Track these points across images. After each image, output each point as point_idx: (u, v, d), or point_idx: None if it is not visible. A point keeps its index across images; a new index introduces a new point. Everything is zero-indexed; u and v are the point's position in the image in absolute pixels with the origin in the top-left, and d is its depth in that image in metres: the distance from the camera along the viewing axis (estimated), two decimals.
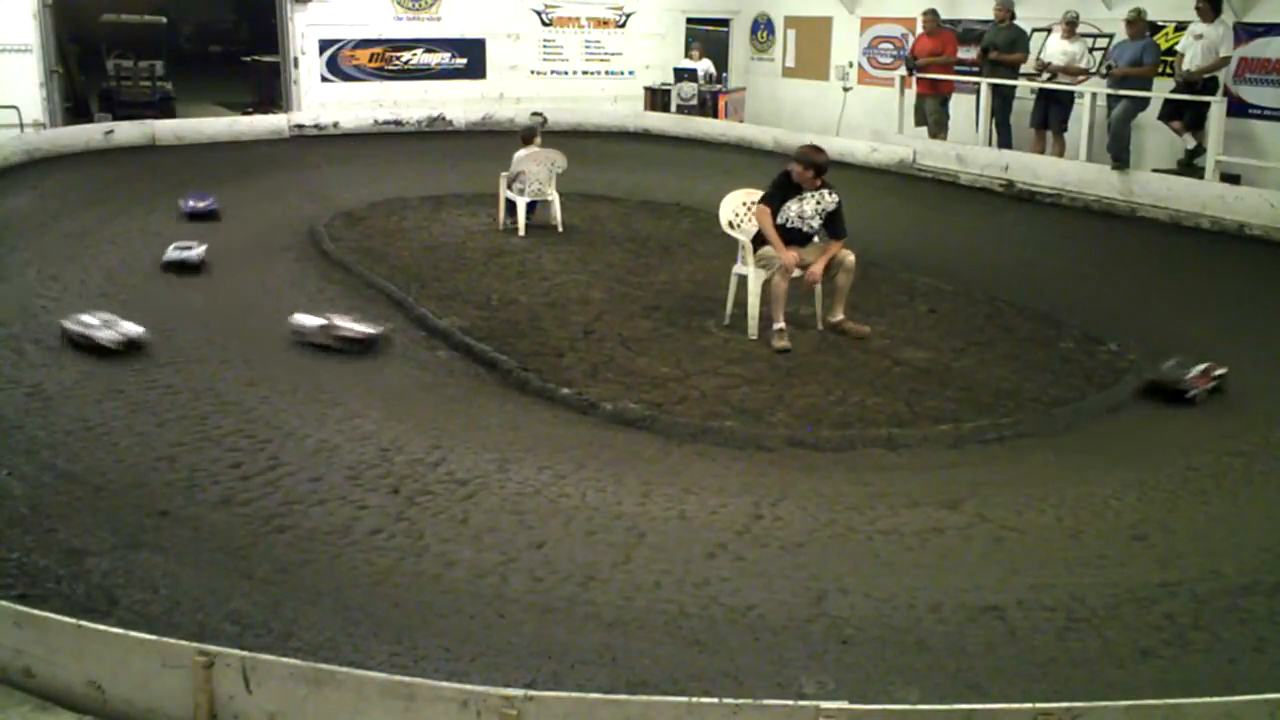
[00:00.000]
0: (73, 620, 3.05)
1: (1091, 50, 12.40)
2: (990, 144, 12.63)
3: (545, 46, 16.96)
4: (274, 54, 16.24)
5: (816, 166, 6.95)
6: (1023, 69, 12.54)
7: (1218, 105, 10.48)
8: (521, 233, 9.69)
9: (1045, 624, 3.82)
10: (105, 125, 13.65)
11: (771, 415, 5.75)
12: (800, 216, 6.98)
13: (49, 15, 13.54)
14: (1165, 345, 7.01)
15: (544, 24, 16.90)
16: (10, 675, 3.06)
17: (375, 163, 13.24)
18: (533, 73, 16.84)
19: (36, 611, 3.12)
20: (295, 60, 15.36)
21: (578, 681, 3.39)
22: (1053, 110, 12.06)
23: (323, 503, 4.59)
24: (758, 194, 7.47)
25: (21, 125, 13.00)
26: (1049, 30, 12.36)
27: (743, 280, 7.06)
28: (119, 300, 7.48)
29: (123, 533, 4.24)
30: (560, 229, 9.86)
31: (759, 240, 7.06)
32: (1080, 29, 12.16)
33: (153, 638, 3.02)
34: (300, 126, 14.83)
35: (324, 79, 15.55)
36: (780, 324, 6.82)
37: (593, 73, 17.28)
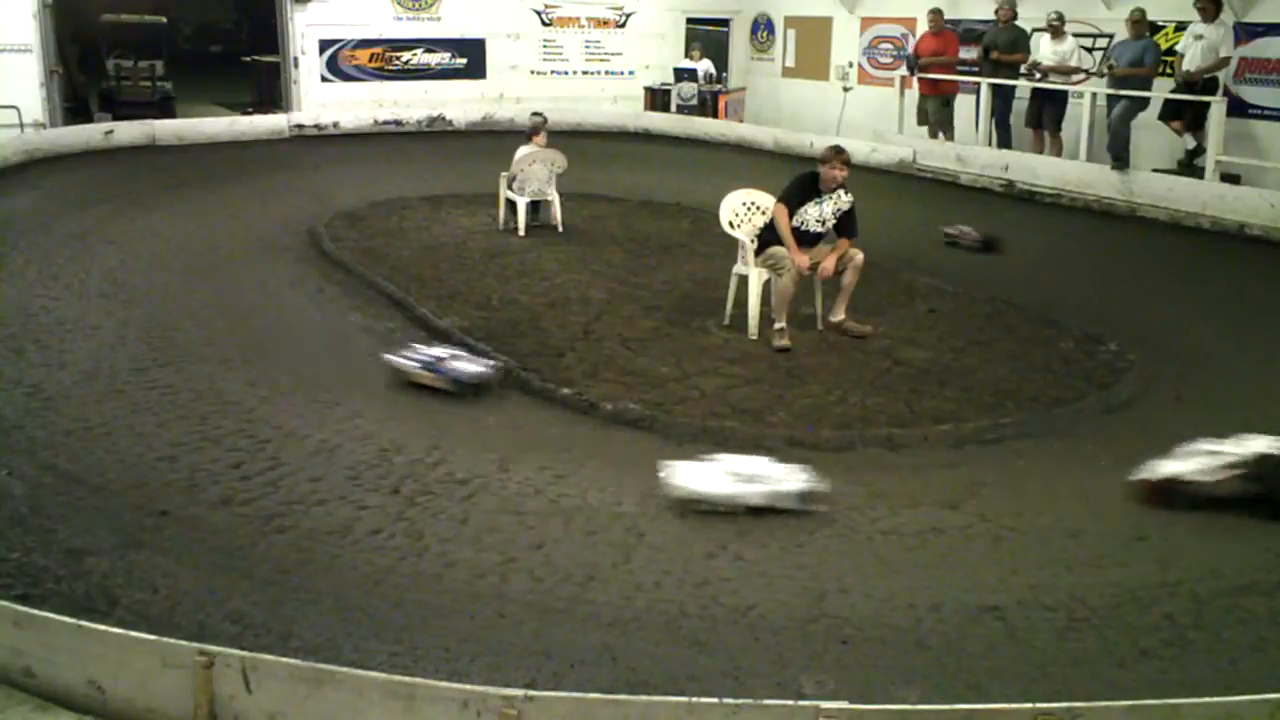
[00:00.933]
0: (73, 620, 3.05)
1: (1091, 50, 12.41)
2: (990, 144, 12.64)
3: (545, 46, 16.98)
4: (274, 54, 16.25)
5: (847, 163, 6.97)
6: (1023, 69, 12.55)
7: (1218, 105, 10.49)
8: (521, 233, 9.69)
9: (1045, 624, 3.82)
10: (105, 125, 13.67)
11: (771, 415, 5.75)
12: (819, 219, 6.96)
13: (49, 15, 13.56)
14: (1165, 345, 7.03)
15: (544, 24, 16.91)
16: (10, 675, 3.06)
17: (375, 163, 13.25)
18: (533, 73, 16.86)
19: (36, 611, 3.12)
20: (295, 60, 15.37)
21: (578, 681, 3.39)
22: (1046, 110, 12.07)
23: (323, 503, 4.59)
24: (758, 194, 7.47)
25: (21, 125, 13.01)
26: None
27: (743, 280, 7.06)
28: (119, 300, 7.49)
29: (123, 533, 4.24)
30: (560, 229, 9.86)
31: (766, 239, 7.03)
32: (1080, 29, 12.17)
33: (153, 638, 3.02)
34: (300, 126, 14.85)
35: (324, 79, 15.56)
36: (782, 323, 6.81)
37: (593, 73, 17.30)
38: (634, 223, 10.51)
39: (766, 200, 7.40)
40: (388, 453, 5.11)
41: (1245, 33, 10.94)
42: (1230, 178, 10.50)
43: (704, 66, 16.41)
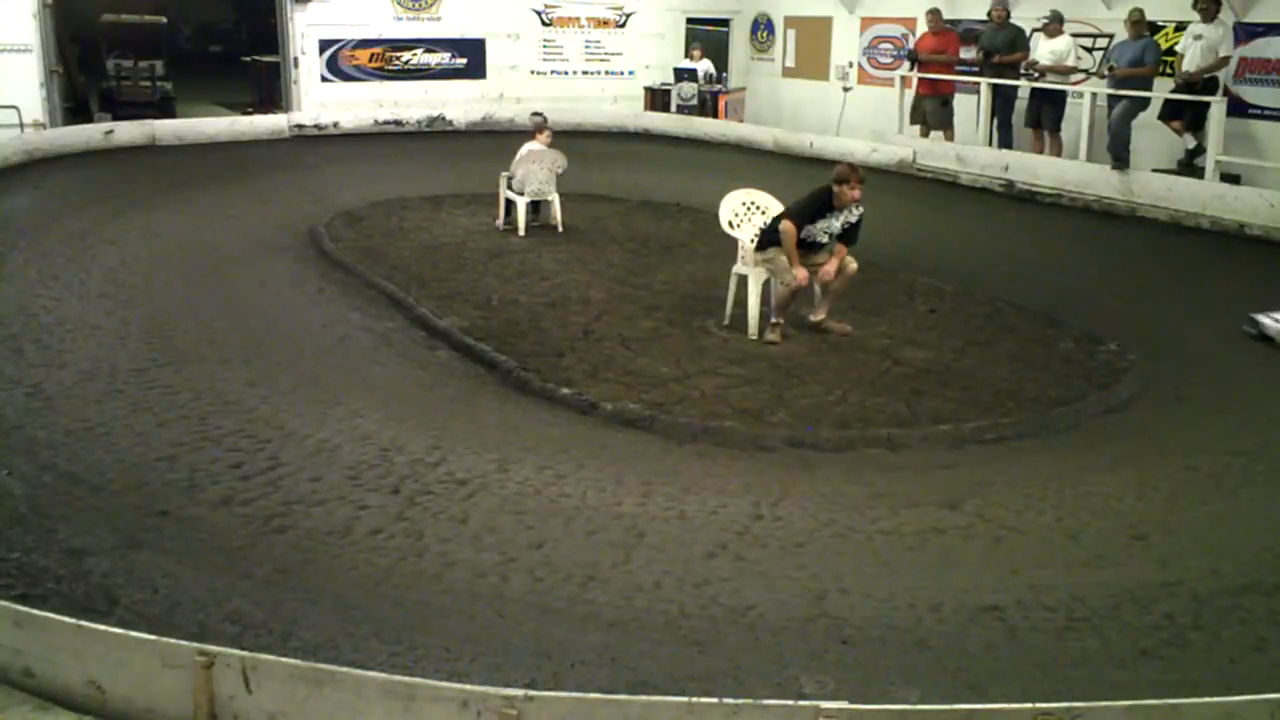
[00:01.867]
0: (73, 620, 3.04)
1: (1091, 50, 12.41)
2: (990, 144, 12.64)
3: (545, 46, 16.97)
4: (274, 54, 16.25)
5: (863, 181, 6.91)
6: (1022, 68, 12.55)
7: (1218, 105, 10.49)
8: (521, 233, 9.69)
9: (1045, 624, 3.82)
10: (105, 125, 13.66)
11: (771, 415, 5.75)
12: (827, 231, 6.93)
13: (49, 15, 13.55)
14: (1165, 345, 7.03)
15: (544, 24, 16.90)
16: (10, 675, 3.06)
17: (375, 163, 13.25)
18: (533, 73, 16.86)
19: (36, 611, 3.11)
20: (295, 60, 15.37)
21: (578, 681, 3.39)
22: (1045, 110, 12.07)
23: (323, 503, 4.59)
24: (758, 194, 7.48)
25: (21, 125, 13.01)
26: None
27: (743, 280, 7.06)
28: (119, 300, 7.49)
29: (123, 533, 4.24)
30: (560, 229, 9.86)
31: (767, 239, 6.97)
32: (1080, 29, 12.16)
33: (153, 638, 3.01)
34: (300, 126, 14.84)
35: (324, 79, 15.56)
36: (778, 319, 6.86)
37: (593, 73, 17.29)
38: (634, 223, 10.52)
39: (766, 200, 7.41)
40: (388, 453, 5.11)
41: (1245, 33, 10.93)
42: (1230, 178, 10.49)
43: (704, 66, 16.41)
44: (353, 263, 8.57)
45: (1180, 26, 11.30)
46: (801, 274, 6.78)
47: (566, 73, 17.14)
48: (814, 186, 7.08)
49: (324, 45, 15.48)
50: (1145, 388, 6.32)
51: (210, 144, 13.88)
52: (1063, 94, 11.96)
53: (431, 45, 16.14)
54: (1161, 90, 11.14)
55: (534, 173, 9.77)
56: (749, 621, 3.79)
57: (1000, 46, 12.50)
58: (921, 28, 13.71)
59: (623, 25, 17.39)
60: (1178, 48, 11.07)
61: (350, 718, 2.80)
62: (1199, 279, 8.94)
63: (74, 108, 14.79)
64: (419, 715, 2.75)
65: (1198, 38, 10.64)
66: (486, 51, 16.54)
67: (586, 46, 17.24)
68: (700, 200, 10.30)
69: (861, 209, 7.01)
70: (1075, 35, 12.23)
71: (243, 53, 19.64)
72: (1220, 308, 7.96)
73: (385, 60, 15.89)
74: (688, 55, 16.75)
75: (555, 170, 9.85)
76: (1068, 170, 11.59)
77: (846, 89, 15.54)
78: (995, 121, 12.65)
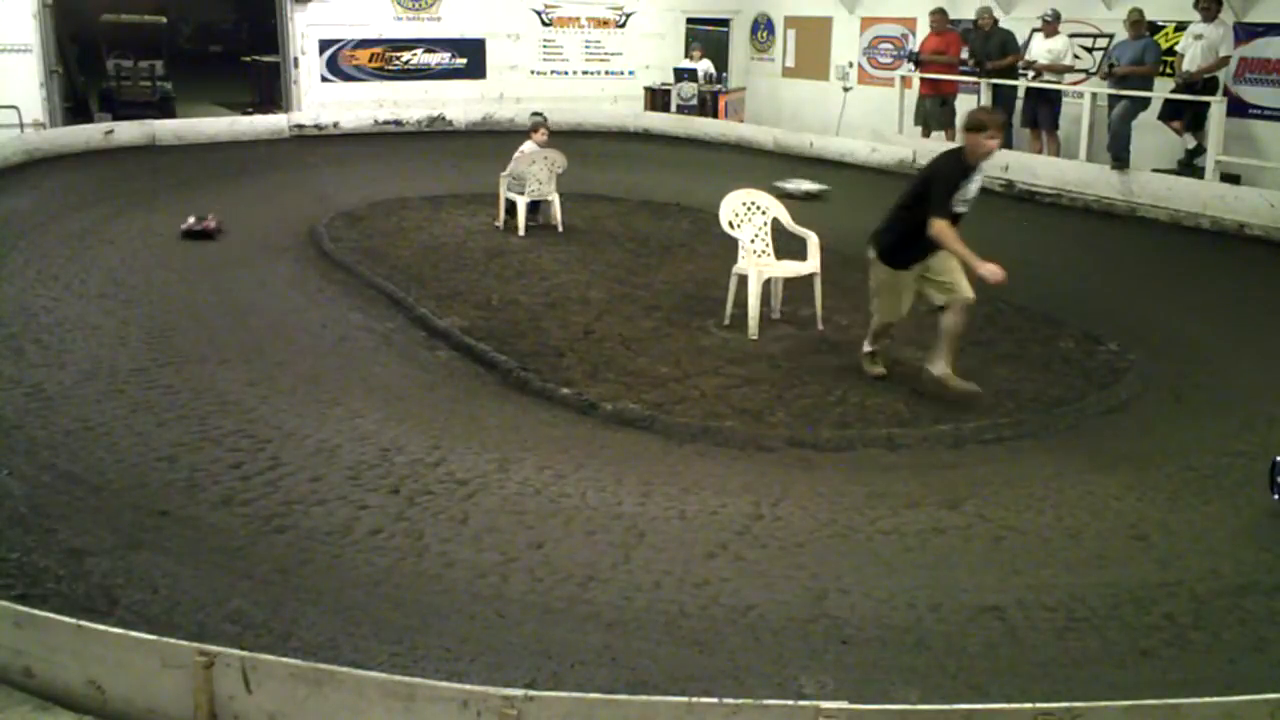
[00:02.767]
0: (73, 620, 3.05)
1: (1090, 50, 12.41)
2: None
3: (545, 46, 16.98)
4: (274, 54, 16.26)
5: (1000, 125, 5.79)
6: (1020, 68, 12.56)
7: (1218, 105, 10.49)
8: (521, 233, 9.68)
9: (1045, 624, 3.82)
10: (105, 125, 13.68)
11: (771, 415, 5.74)
12: (965, 200, 5.73)
13: (49, 15, 13.57)
14: (1165, 345, 7.02)
15: (544, 24, 16.91)
16: (10, 675, 3.06)
17: (375, 163, 13.25)
18: (533, 73, 16.87)
19: (36, 611, 3.12)
20: (295, 60, 15.38)
21: (578, 681, 3.39)
22: (1041, 109, 12.07)
23: (323, 503, 4.59)
24: (758, 194, 7.45)
25: (21, 125, 13.02)
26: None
27: (743, 280, 7.05)
28: (119, 300, 7.49)
29: (123, 533, 4.24)
30: (560, 229, 9.86)
31: (902, 252, 5.96)
32: (1079, 29, 12.17)
33: (153, 638, 3.01)
34: (300, 126, 14.85)
35: (324, 79, 15.57)
36: (875, 347, 6.25)
37: (593, 73, 17.31)
38: (634, 223, 10.51)
39: (766, 200, 7.40)
40: (388, 453, 5.11)
41: (1245, 33, 10.94)
42: (1230, 178, 10.50)
43: (704, 66, 16.42)
44: (353, 263, 8.57)
45: (1180, 26, 11.31)
46: (992, 267, 5.49)
47: (566, 73, 17.15)
48: (936, 155, 6.00)
49: (324, 45, 15.50)
50: (1145, 388, 6.32)
51: (210, 144, 13.89)
52: (1058, 94, 11.96)
53: (431, 45, 16.15)
54: (1161, 90, 11.15)
55: (534, 172, 9.77)
56: (749, 621, 3.79)
57: (991, 52, 12.51)
58: (921, 28, 13.72)
59: (623, 25, 17.39)
60: (1178, 47, 11.07)
61: (350, 718, 2.80)
62: (1199, 279, 8.94)
63: (74, 108, 14.79)
64: (419, 715, 2.75)
65: (1198, 37, 10.65)
66: (486, 51, 16.55)
67: (586, 46, 17.25)
68: (700, 200, 10.30)
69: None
70: (1075, 35, 12.24)
71: (243, 53, 19.66)
72: (1220, 308, 7.97)
73: (385, 60, 15.90)
74: (688, 55, 16.76)
75: (555, 170, 9.85)
76: (1068, 170, 11.60)
77: (846, 89, 15.54)
78: None
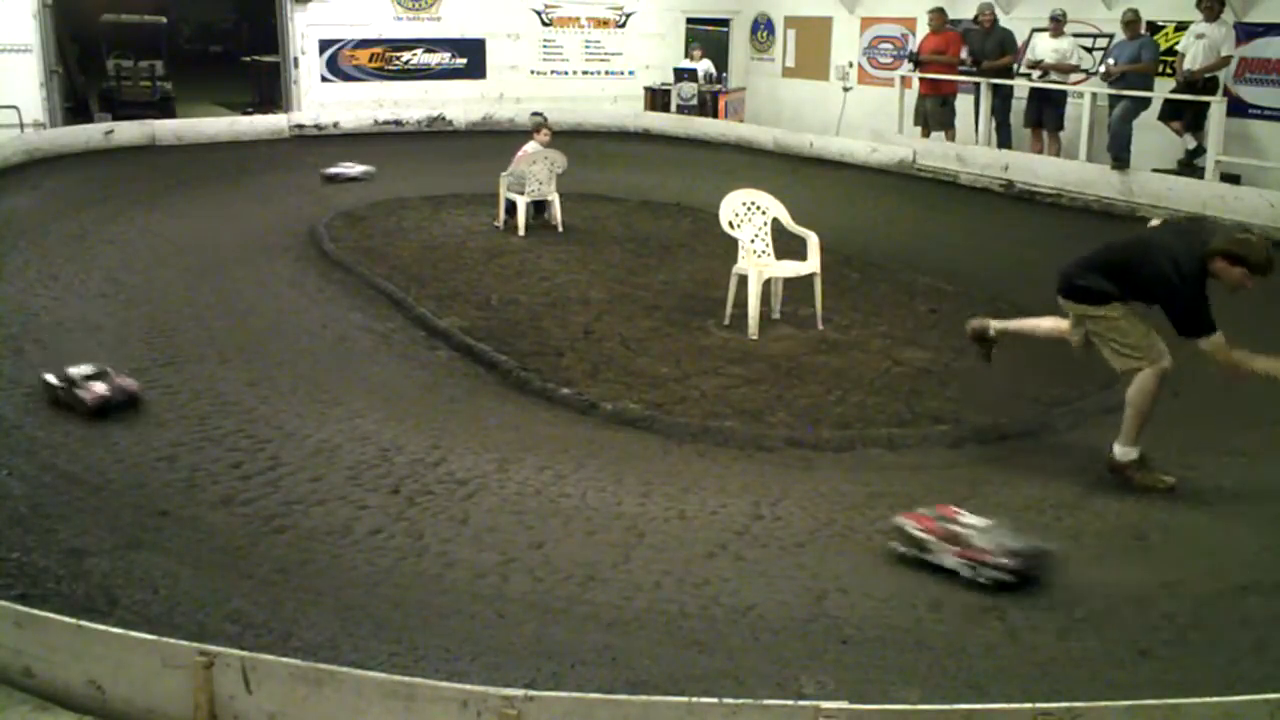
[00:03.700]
0: (73, 620, 3.05)
1: (1090, 50, 12.41)
2: (990, 144, 12.64)
3: (545, 46, 16.98)
4: (274, 54, 16.26)
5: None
6: (1019, 69, 12.55)
7: (1218, 105, 10.49)
8: (521, 233, 9.69)
9: (1045, 624, 3.82)
10: (105, 125, 13.68)
11: (771, 415, 5.75)
12: None
13: (49, 15, 13.57)
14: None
15: (544, 24, 16.91)
16: (10, 675, 3.06)
17: (375, 163, 13.22)
18: (533, 73, 16.87)
19: (36, 611, 3.11)
20: (295, 60, 15.38)
21: (578, 681, 3.39)
22: (1046, 109, 12.07)
23: (323, 503, 4.59)
24: (758, 194, 7.45)
25: (21, 125, 13.02)
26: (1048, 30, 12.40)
27: (743, 280, 7.05)
28: (119, 300, 7.49)
29: (123, 533, 4.24)
30: (560, 229, 9.86)
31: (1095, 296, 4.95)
32: (1080, 29, 12.17)
33: (153, 638, 3.01)
34: (300, 126, 14.85)
35: (324, 79, 15.57)
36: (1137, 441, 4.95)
37: (593, 73, 17.31)
38: (634, 223, 10.52)
39: (767, 200, 7.40)
40: (388, 453, 5.11)
41: (1245, 33, 10.94)
42: (1230, 178, 10.50)
43: (704, 66, 16.42)
44: (353, 263, 8.57)
45: (1180, 26, 11.31)
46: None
47: (566, 73, 17.15)
48: (1185, 274, 4.70)
49: (324, 45, 15.50)
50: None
51: (210, 144, 13.90)
52: (1063, 94, 11.97)
53: (431, 45, 16.15)
54: (1162, 90, 11.16)
55: (534, 172, 9.78)
56: (749, 621, 3.79)
57: (989, 51, 12.51)
58: (921, 27, 13.72)
59: (623, 25, 17.39)
60: (1179, 47, 11.07)
61: (350, 718, 2.80)
62: None
63: (74, 108, 14.80)
64: (419, 715, 2.75)
65: (1200, 37, 10.65)
66: (486, 51, 16.55)
67: (586, 46, 17.25)
68: (700, 200, 10.31)
69: None
70: (1075, 35, 12.24)
71: (243, 53, 19.66)
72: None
73: (385, 60, 15.90)
74: (688, 55, 16.76)
75: (555, 170, 9.86)
76: (1068, 170, 11.60)
77: (846, 89, 15.54)
78: (995, 121, 12.65)
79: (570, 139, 12.59)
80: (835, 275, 7.34)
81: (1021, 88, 12.48)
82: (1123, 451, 4.95)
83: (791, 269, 7.20)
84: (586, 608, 3.85)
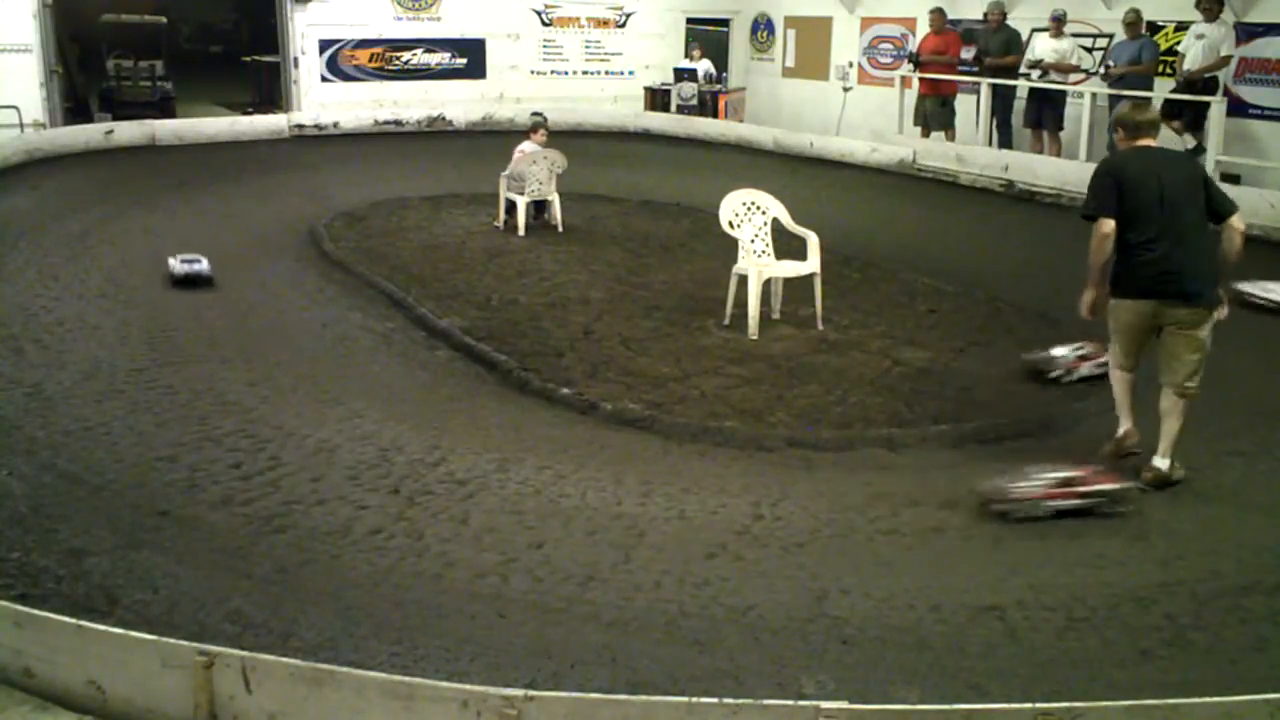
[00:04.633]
0: (73, 620, 3.05)
1: (1090, 50, 12.42)
2: (990, 144, 12.64)
3: (545, 46, 16.98)
4: (274, 54, 16.26)
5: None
6: (1020, 69, 12.56)
7: (1218, 105, 10.49)
8: (521, 233, 9.68)
9: (1045, 624, 3.82)
10: (105, 125, 13.68)
11: (771, 415, 5.75)
12: None
13: (49, 15, 13.57)
14: None
15: (544, 24, 16.91)
16: (10, 675, 3.06)
17: (375, 163, 13.25)
18: (533, 73, 16.87)
19: (36, 611, 3.12)
20: (295, 60, 15.38)
21: (578, 681, 3.39)
22: (1046, 110, 12.07)
23: (323, 503, 4.59)
24: (758, 194, 7.44)
25: (21, 125, 13.02)
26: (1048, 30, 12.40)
27: (743, 280, 7.05)
28: (119, 300, 7.49)
29: (123, 533, 4.24)
30: (560, 229, 9.86)
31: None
32: (1080, 29, 12.16)
33: (153, 638, 3.02)
34: (300, 126, 14.85)
35: (324, 79, 15.57)
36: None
37: (593, 73, 17.30)
38: (634, 223, 10.51)
39: (767, 200, 7.39)
40: (388, 453, 5.11)
41: (1245, 33, 10.94)
42: (1230, 177, 10.49)
43: (704, 66, 16.42)
44: (353, 263, 8.57)
45: (1181, 26, 11.31)
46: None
47: (566, 73, 17.15)
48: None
49: (324, 45, 15.49)
50: (1145, 387, 6.31)
51: (210, 144, 13.89)
52: (1063, 94, 11.97)
53: (431, 45, 16.14)
54: (1161, 90, 11.16)
55: (534, 172, 9.78)
56: (749, 621, 3.79)
57: (994, 49, 12.51)
58: (921, 28, 13.71)
59: (623, 25, 17.39)
60: (1180, 47, 11.08)
61: (350, 718, 2.80)
62: None
63: (74, 108, 14.79)
64: (419, 715, 2.75)
65: (1200, 37, 10.66)
66: (486, 51, 16.55)
67: (586, 46, 17.25)
68: (700, 200, 10.30)
69: None
70: (1075, 35, 12.24)
71: (243, 53, 19.66)
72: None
73: (385, 60, 15.90)
74: (688, 55, 16.76)
75: (555, 170, 9.86)
76: (1068, 170, 11.59)
77: (846, 89, 15.54)
78: (995, 121, 12.65)
79: (570, 139, 12.59)
80: (835, 275, 7.33)
81: (1021, 88, 12.47)
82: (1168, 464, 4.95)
83: (791, 269, 7.20)
84: (586, 608, 3.86)
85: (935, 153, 12.95)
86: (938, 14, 13.16)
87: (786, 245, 7.37)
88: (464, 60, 16.41)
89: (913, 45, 14.19)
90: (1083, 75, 12.18)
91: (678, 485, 4.88)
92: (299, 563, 4.10)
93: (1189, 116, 10.90)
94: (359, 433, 5.36)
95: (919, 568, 4.22)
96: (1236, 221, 4.94)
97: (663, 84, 16.87)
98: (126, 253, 8.78)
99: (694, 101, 16.20)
